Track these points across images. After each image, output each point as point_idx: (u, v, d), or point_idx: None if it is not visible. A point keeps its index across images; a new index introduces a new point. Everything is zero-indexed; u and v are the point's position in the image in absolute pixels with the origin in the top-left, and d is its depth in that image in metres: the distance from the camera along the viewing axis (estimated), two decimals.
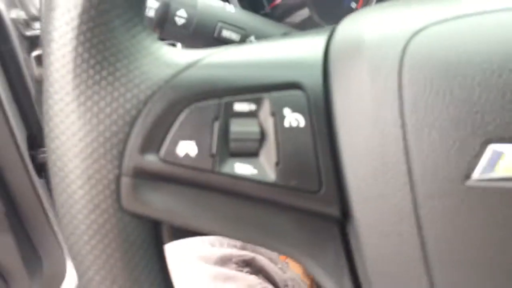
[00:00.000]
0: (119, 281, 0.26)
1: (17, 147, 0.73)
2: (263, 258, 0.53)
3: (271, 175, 0.26)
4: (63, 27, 0.24)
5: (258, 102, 0.26)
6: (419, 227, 0.24)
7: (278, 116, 0.26)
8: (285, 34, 0.41)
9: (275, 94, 0.26)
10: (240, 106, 0.26)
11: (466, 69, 0.23)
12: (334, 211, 0.26)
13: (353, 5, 0.59)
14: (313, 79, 0.26)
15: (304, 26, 0.61)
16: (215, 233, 0.27)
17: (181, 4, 0.37)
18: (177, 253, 0.53)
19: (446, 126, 0.23)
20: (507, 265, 0.24)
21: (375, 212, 0.25)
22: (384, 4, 0.30)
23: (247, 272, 0.51)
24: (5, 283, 0.76)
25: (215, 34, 0.38)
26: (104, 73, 0.25)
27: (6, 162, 0.72)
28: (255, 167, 0.26)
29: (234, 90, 0.26)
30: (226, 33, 0.38)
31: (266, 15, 0.62)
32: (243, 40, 0.38)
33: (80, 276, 0.26)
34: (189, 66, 0.26)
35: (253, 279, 0.50)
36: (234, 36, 0.38)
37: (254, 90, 0.26)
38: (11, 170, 0.73)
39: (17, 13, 0.76)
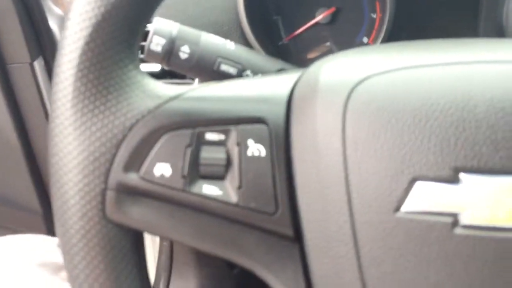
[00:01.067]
0: (100, 280, 0.30)
1: None
2: None
3: (233, 197, 0.30)
4: (65, 64, 0.29)
5: (226, 133, 0.30)
6: (357, 251, 0.27)
7: (242, 146, 0.30)
8: (280, 70, 0.44)
9: (242, 127, 0.30)
10: (211, 136, 0.30)
11: (398, 115, 0.27)
12: (288, 231, 0.30)
13: (365, 40, 0.63)
14: (276, 115, 0.30)
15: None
16: (185, 243, 0.31)
17: (185, 41, 0.42)
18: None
19: (380, 163, 0.27)
20: (431, 285, 0.26)
21: (321, 235, 0.28)
22: (352, 51, 0.33)
23: None
24: None
25: (215, 68, 0.42)
26: (97, 103, 0.29)
27: (46, 164, 0.78)
28: (220, 189, 0.30)
29: (206, 122, 0.30)
30: (224, 67, 0.42)
31: (284, 46, 0.65)
32: (239, 73, 0.43)
33: (69, 272, 0.31)
34: (170, 99, 0.30)
35: None
36: (232, 70, 0.42)
37: (224, 123, 0.30)
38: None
39: None
